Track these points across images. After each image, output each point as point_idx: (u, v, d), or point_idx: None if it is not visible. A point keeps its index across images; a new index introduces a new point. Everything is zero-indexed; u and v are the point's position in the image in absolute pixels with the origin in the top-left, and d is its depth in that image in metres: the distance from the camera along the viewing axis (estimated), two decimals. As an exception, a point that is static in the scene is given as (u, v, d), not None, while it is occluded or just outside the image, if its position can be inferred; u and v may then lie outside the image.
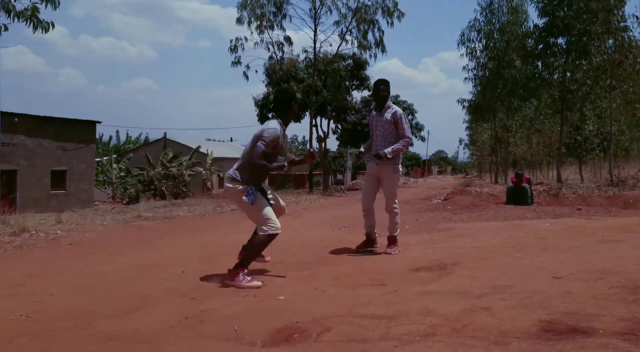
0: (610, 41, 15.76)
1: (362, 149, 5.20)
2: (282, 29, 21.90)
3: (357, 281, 3.66)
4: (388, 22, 21.39)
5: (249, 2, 20.72)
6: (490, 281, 3.31)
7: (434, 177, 63.45)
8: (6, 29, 6.09)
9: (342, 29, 21.84)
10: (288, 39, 22.36)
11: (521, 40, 19.34)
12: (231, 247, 5.45)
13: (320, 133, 27.65)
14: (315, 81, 23.97)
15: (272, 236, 3.72)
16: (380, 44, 21.81)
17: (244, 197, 3.70)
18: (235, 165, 3.90)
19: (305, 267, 4.28)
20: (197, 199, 17.99)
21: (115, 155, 29.71)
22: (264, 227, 3.69)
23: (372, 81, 29.27)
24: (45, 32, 6.14)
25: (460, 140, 55.32)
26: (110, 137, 43.64)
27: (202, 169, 26.90)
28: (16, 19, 5.96)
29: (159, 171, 24.80)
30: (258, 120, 30.23)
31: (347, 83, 27.14)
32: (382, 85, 4.91)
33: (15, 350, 2.38)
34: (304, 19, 22.58)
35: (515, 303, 2.68)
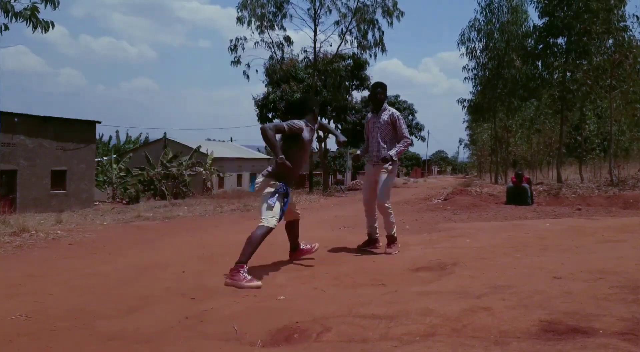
0: (610, 41, 15.76)
1: (358, 153, 5.25)
2: (283, 29, 21.92)
3: (357, 281, 3.66)
4: (388, 22, 21.41)
5: (249, 2, 20.73)
6: (490, 281, 3.31)
7: (434, 177, 63.47)
8: (6, 28, 6.09)
9: (342, 29, 21.87)
10: (288, 39, 22.37)
11: (521, 41, 19.35)
12: (231, 247, 5.45)
13: (320, 133, 27.65)
14: (315, 81, 23.97)
15: (268, 229, 3.87)
16: (380, 43, 21.82)
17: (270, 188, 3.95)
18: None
19: (305, 267, 4.28)
20: (197, 199, 18.00)
21: (115, 155, 29.70)
22: (262, 220, 3.91)
23: (372, 81, 29.35)
24: (45, 32, 6.13)
25: (460, 141, 55.32)
26: (110, 137, 43.64)
27: (202, 169, 26.90)
28: (15, 19, 5.95)
29: (159, 171, 24.81)
30: (258, 120, 30.22)
31: (347, 83, 27.16)
32: (379, 88, 4.97)
33: (15, 350, 2.38)
34: (303, 19, 22.62)
35: (515, 303, 2.68)
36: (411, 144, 5.04)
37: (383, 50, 22.01)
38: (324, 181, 26.74)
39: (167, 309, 3.05)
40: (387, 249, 4.85)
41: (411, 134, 48.05)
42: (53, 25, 6.16)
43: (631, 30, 15.25)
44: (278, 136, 4.03)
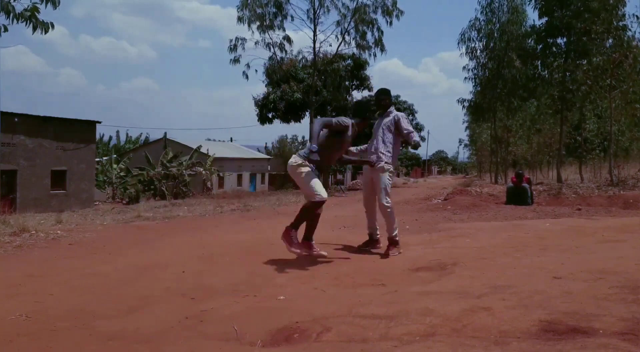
0: (610, 41, 15.76)
1: (354, 151, 5.27)
2: (282, 29, 21.92)
3: (357, 281, 3.66)
4: (387, 22, 21.43)
5: (249, 2, 20.74)
6: (490, 281, 3.31)
7: (434, 177, 63.46)
8: (6, 29, 6.08)
9: (341, 29, 21.87)
10: (288, 39, 22.37)
11: (520, 41, 19.33)
12: (231, 247, 5.46)
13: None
14: (315, 81, 23.98)
15: (317, 203, 4.26)
16: (379, 43, 21.83)
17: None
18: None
19: (305, 267, 4.28)
20: (197, 199, 18.01)
21: (115, 156, 29.69)
22: (311, 195, 4.24)
23: (372, 81, 29.32)
24: (45, 33, 6.13)
25: (460, 141, 55.35)
26: (110, 137, 43.64)
27: (202, 169, 26.89)
28: (16, 20, 5.95)
29: (159, 171, 24.80)
30: (258, 120, 30.23)
31: (347, 83, 27.16)
32: (383, 95, 5.10)
33: (15, 350, 2.38)
34: (303, 19, 22.61)
35: (515, 303, 2.68)
36: (415, 138, 4.96)
37: (382, 50, 22.03)
38: (324, 181, 26.74)
39: (167, 309, 3.05)
40: (386, 251, 4.82)
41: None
42: (53, 27, 6.15)
43: (630, 29, 15.26)
44: (325, 130, 4.37)
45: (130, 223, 8.75)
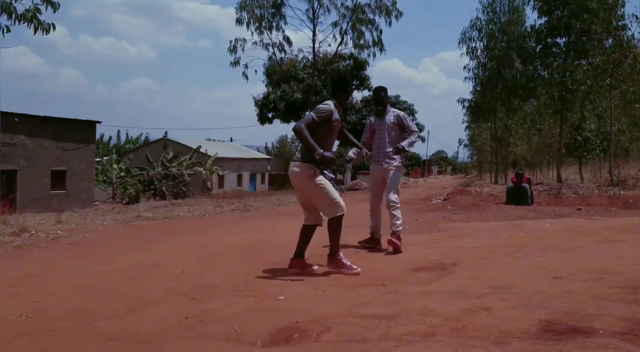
0: (610, 41, 15.76)
1: (351, 155, 5.08)
2: (282, 29, 21.94)
3: (357, 281, 3.66)
4: (387, 22, 21.44)
5: (248, 2, 20.74)
6: (490, 281, 3.31)
7: (434, 177, 63.42)
8: (8, 30, 6.08)
9: (339, 29, 21.88)
10: (287, 39, 22.38)
11: (520, 42, 19.33)
12: (231, 247, 5.46)
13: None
14: (315, 81, 23.98)
15: (341, 217, 3.87)
16: (379, 43, 21.83)
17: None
18: (298, 149, 4.05)
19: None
20: (197, 199, 18.01)
21: (115, 156, 29.69)
22: (334, 210, 3.81)
23: (372, 81, 29.38)
24: (46, 34, 6.13)
25: (460, 141, 55.37)
26: (110, 137, 43.68)
27: (202, 169, 26.89)
28: (18, 22, 5.95)
29: (159, 171, 24.82)
30: (258, 120, 30.25)
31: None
32: (382, 93, 5.13)
33: (15, 350, 2.38)
34: (302, 20, 22.65)
35: (515, 303, 2.68)
36: (421, 136, 5.17)
37: (382, 49, 22.05)
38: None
39: (167, 309, 3.05)
40: (390, 237, 4.91)
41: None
42: (54, 27, 6.16)
43: (629, 29, 15.26)
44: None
45: (130, 223, 8.75)
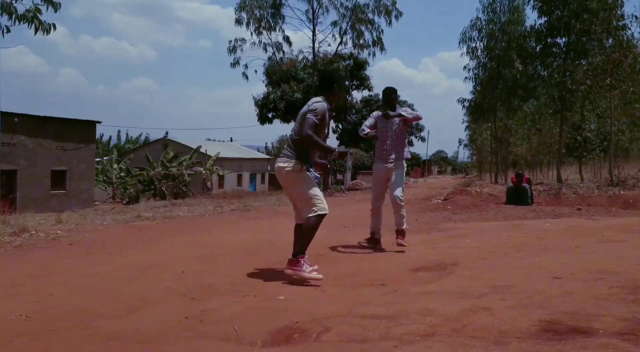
0: (610, 41, 15.77)
1: (365, 130, 5.16)
2: (281, 29, 21.93)
3: (357, 281, 3.66)
4: (387, 21, 21.44)
5: (247, 3, 20.74)
6: (490, 281, 3.31)
7: (434, 177, 63.43)
8: (8, 31, 6.08)
9: (339, 29, 21.88)
10: (287, 39, 22.38)
11: (520, 43, 19.33)
12: (231, 247, 5.46)
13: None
14: (315, 81, 23.96)
15: (320, 217, 3.69)
16: (379, 42, 21.83)
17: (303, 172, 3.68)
18: (286, 145, 3.90)
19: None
20: (197, 199, 18.00)
21: (115, 155, 29.68)
22: (313, 208, 3.66)
23: (372, 81, 29.33)
24: (46, 34, 6.13)
25: (460, 141, 55.43)
26: (110, 137, 43.69)
27: (202, 169, 26.88)
28: (18, 22, 5.95)
29: (159, 171, 24.81)
30: (258, 120, 30.25)
31: (347, 83, 27.16)
32: (393, 95, 5.16)
33: (15, 350, 2.38)
34: (302, 20, 22.67)
35: (515, 303, 2.68)
36: (420, 117, 5.26)
37: (382, 49, 22.04)
38: (324, 180, 26.72)
39: (167, 309, 3.05)
40: (398, 241, 4.98)
41: (411, 134, 48.20)
42: (55, 28, 6.16)
43: (629, 28, 15.27)
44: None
45: (130, 223, 8.74)
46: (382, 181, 5.13)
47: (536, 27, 17.65)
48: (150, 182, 24.87)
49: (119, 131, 46.77)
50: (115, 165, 26.89)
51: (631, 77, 15.14)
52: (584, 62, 16.22)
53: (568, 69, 16.26)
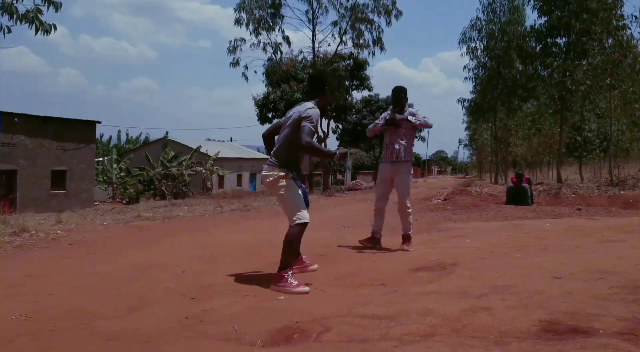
0: (610, 41, 15.77)
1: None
2: (281, 30, 21.94)
3: (357, 281, 3.66)
4: (386, 21, 21.45)
5: (247, 3, 20.74)
6: (490, 281, 3.31)
7: (434, 177, 63.47)
8: (9, 31, 6.09)
9: (339, 28, 21.90)
10: (287, 40, 22.39)
11: (520, 42, 19.33)
12: (231, 247, 5.46)
13: (320, 133, 27.65)
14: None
15: (302, 226, 3.57)
16: (378, 42, 21.84)
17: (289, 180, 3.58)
18: (272, 153, 3.76)
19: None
20: (197, 199, 18.00)
21: (115, 155, 29.70)
22: (293, 217, 3.56)
23: (372, 81, 29.32)
24: (47, 35, 6.14)
25: (460, 141, 55.47)
26: (110, 137, 43.71)
27: (202, 169, 26.88)
28: (19, 22, 5.96)
29: (159, 171, 24.80)
30: (258, 120, 30.24)
31: (347, 83, 27.16)
32: (403, 94, 5.13)
33: (15, 350, 2.38)
34: (301, 20, 22.65)
35: (515, 303, 2.68)
36: (430, 125, 5.21)
37: (382, 48, 22.04)
38: (324, 181, 26.76)
39: (167, 309, 3.05)
40: (403, 246, 5.00)
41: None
42: (55, 28, 6.16)
43: (629, 28, 15.27)
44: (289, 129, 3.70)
45: (130, 223, 8.75)
46: (387, 181, 5.13)
47: (536, 27, 17.66)
48: (150, 182, 24.87)
49: (119, 131, 46.83)
50: (115, 165, 26.90)
51: (631, 77, 15.14)
52: (584, 62, 16.22)
53: (568, 69, 16.26)
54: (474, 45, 21.83)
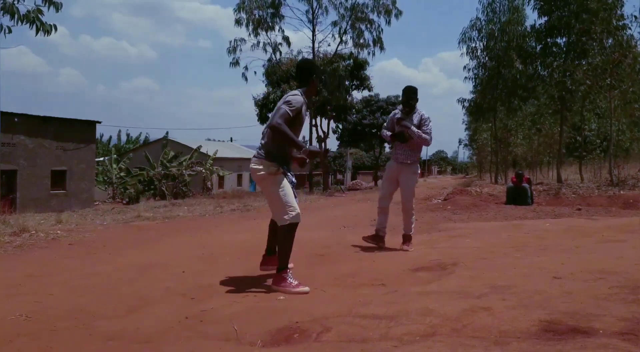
0: (610, 41, 15.78)
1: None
2: (281, 30, 21.94)
3: (357, 281, 3.66)
4: (386, 21, 21.45)
5: (246, 3, 20.74)
6: (490, 281, 3.31)
7: (434, 177, 63.45)
8: (10, 31, 6.09)
9: (339, 28, 21.90)
10: (287, 40, 22.39)
11: (520, 42, 19.32)
12: (231, 247, 5.46)
13: (320, 133, 27.68)
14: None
15: (293, 225, 3.46)
16: (378, 41, 21.84)
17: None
18: (259, 145, 3.61)
19: (306, 267, 4.28)
20: (197, 199, 17.99)
21: (115, 155, 29.70)
22: (284, 217, 3.44)
23: (372, 81, 29.29)
24: (47, 35, 6.14)
25: (460, 141, 55.48)
26: (110, 137, 43.72)
27: (202, 169, 26.88)
28: (20, 22, 5.97)
29: (159, 171, 24.80)
30: (258, 120, 30.28)
31: (347, 83, 27.16)
32: (413, 95, 5.10)
33: (15, 350, 2.38)
34: (301, 20, 22.65)
35: (515, 303, 2.68)
36: (429, 142, 5.12)
37: (382, 48, 22.04)
38: (324, 180, 26.76)
39: (167, 309, 3.05)
40: (403, 246, 5.00)
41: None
42: (56, 29, 6.17)
43: (629, 28, 15.27)
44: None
45: (130, 223, 8.75)
46: (393, 180, 5.13)
47: (536, 27, 17.66)
48: (150, 182, 24.87)
49: (119, 131, 46.88)
50: (115, 165, 26.89)
51: (631, 77, 15.14)
52: (584, 62, 16.22)
53: (568, 69, 16.26)
54: (474, 45, 21.84)
